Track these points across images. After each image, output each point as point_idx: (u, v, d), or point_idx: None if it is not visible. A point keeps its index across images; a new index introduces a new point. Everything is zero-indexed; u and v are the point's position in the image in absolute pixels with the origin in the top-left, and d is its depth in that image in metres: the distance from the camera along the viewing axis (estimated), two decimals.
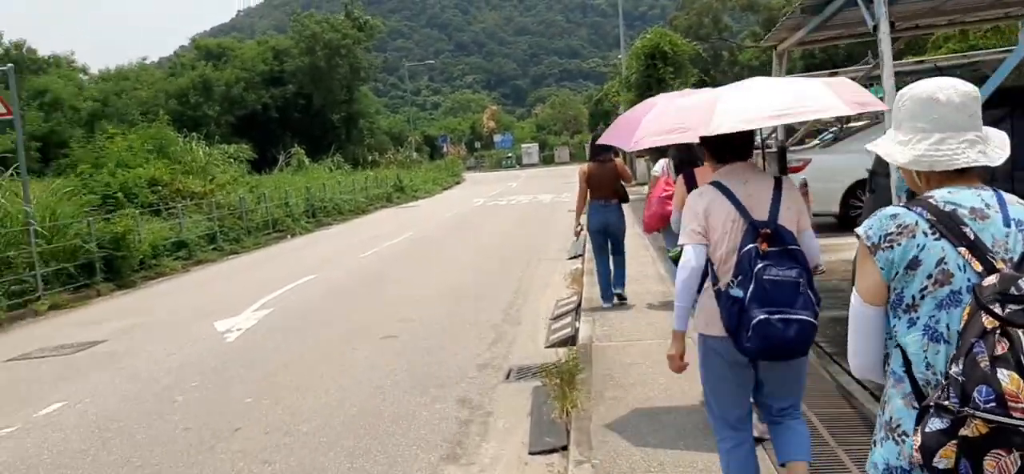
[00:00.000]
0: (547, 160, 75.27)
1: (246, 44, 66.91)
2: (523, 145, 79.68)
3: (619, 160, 9.19)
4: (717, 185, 3.36)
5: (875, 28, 5.14)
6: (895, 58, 10.85)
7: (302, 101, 60.28)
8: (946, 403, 1.79)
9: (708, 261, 3.32)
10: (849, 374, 6.08)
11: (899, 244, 2.01)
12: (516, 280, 12.33)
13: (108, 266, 15.85)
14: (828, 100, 3.25)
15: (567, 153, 72.38)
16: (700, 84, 28.78)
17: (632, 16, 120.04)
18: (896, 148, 2.13)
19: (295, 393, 7.19)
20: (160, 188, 21.43)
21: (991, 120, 2.23)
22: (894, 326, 2.07)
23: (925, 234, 1.99)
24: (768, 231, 3.19)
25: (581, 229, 9.32)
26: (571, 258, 14.11)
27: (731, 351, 3.31)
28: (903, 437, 2.01)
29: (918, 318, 2.00)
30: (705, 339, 3.47)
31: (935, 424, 1.81)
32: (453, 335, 8.99)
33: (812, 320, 3.16)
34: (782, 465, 3.70)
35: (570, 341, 8.18)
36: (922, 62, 16.29)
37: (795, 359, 3.35)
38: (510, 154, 78.01)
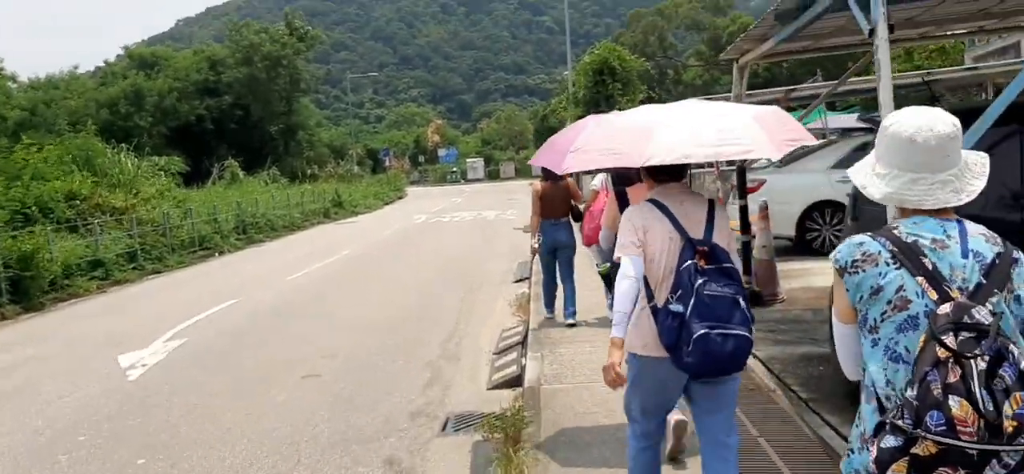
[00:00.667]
0: (492, 175, 74.47)
1: (181, 53, 64.78)
2: (468, 160, 78.73)
3: (571, 180, 8.97)
4: (655, 203, 3.43)
5: (872, 32, 4.39)
6: (857, 74, 10.34)
7: (239, 112, 58.49)
8: (900, 423, 1.92)
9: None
10: (831, 426, 5.36)
11: (863, 270, 2.15)
12: (457, 307, 11.42)
13: (14, 287, 14.52)
14: (756, 139, 3.27)
15: (512, 168, 71.64)
16: (647, 101, 28.40)
17: (577, 33, 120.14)
18: (873, 180, 2.24)
19: (195, 452, 6.15)
20: (78, 203, 19.96)
21: (1000, 137, 2.59)
22: (863, 344, 2.21)
23: (887, 264, 2.12)
24: (705, 249, 3.28)
25: (538, 246, 9.06)
26: (517, 281, 13.26)
27: (667, 370, 3.37)
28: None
29: (879, 339, 2.14)
30: (639, 359, 3.47)
31: (889, 441, 1.94)
32: (384, 375, 8.04)
33: (748, 336, 3.24)
34: None
35: (516, 381, 7.31)
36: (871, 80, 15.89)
37: (729, 376, 3.41)
38: (455, 168, 76.98)
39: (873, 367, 2.15)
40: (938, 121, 2.14)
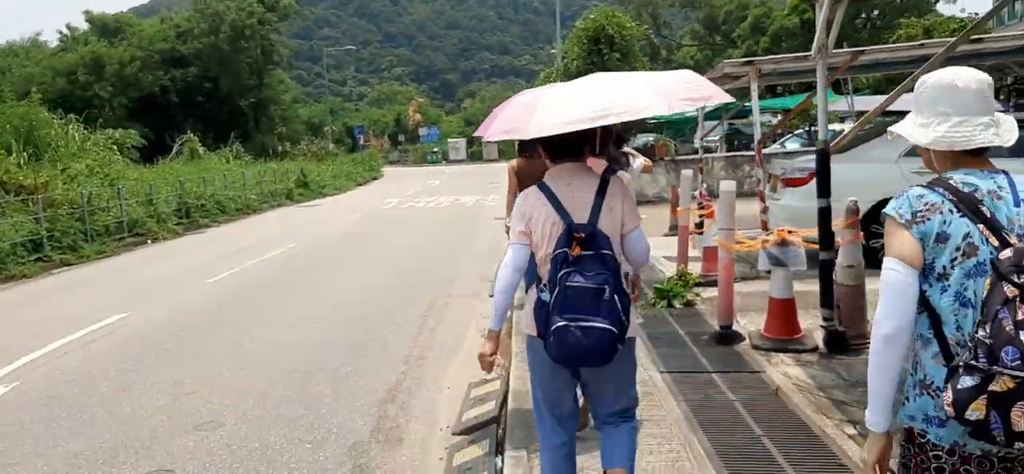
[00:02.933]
0: (475, 156, 71.30)
1: (146, 21, 61.05)
2: (450, 140, 75.47)
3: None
4: (541, 186, 3.34)
5: None
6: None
7: (207, 85, 54.99)
8: (975, 363, 2.00)
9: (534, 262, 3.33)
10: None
11: (929, 219, 2.18)
12: (410, 339, 8.39)
13: None
14: (646, 100, 3.09)
15: (495, 149, 68.38)
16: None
17: (564, 16, 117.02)
18: (918, 130, 2.30)
19: None
20: None
21: None
22: (926, 291, 2.21)
23: (951, 212, 2.17)
24: (582, 235, 3.16)
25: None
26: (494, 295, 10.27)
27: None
28: (937, 392, 2.19)
29: (949, 285, 2.16)
30: (529, 340, 3.41)
31: (966, 382, 2.01)
32: (281, 468, 5.04)
33: (612, 329, 3.07)
34: (604, 472, 3.58)
35: None
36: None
37: (609, 366, 3.23)
38: (436, 149, 73.72)
39: (944, 312, 2.17)
40: (974, 70, 2.28)
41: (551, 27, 37.20)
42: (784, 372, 5.98)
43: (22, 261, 14.78)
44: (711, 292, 8.92)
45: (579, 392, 3.62)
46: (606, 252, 3.16)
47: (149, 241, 19.21)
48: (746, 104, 26.00)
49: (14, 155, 28.24)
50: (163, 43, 54.12)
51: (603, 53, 20.23)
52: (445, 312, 9.53)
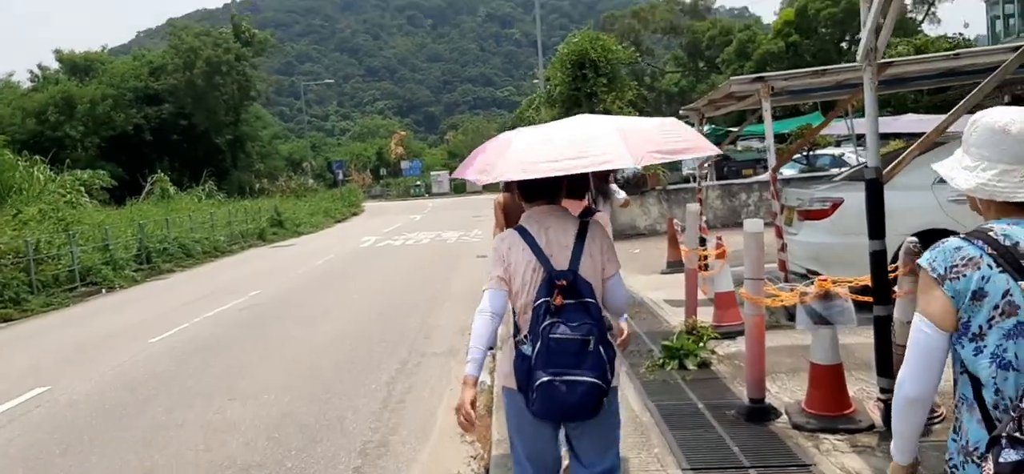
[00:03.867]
0: (458, 188, 69.96)
1: (118, 59, 59.60)
2: (433, 173, 74.13)
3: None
4: (520, 230, 3.21)
5: None
6: None
7: (183, 122, 53.46)
8: (1019, 434, 1.85)
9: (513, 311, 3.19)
10: None
11: (965, 275, 2.02)
12: (373, 414, 7.01)
13: None
14: (611, 150, 2.98)
15: (480, 183, 67.18)
16: (638, 100, 24.34)
17: (547, 45, 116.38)
18: (961, 173, 2.15)
19: None
20: None
21: None
22: (962, 352, 2.06)
23: (990, 267, 2.01)
24: (564, 282, 3.02)
25: None
26: None
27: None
28: (980, 460, 2.02)
29: (986, 346, 2.01)
30: (506, 392, 3.28)
31: (1010, 455, 1.85)
32: None
33: (598, 382, 2.95)
34: None
35: None
36: None
37: (593, 419, 3.08)
38: (419, 182, 72.33)
39: (982, 375, 2.02)
40: None
41: (533, 58, 36.30)
42: (840, 464, 4.67)
43: None
44: (729, 347, 7.61)
45: (563, 451, 3.47)
46: (589, 300, 3.05)
47: (104, 290, 17.74)
48: (730, 129, 25.00)
49: None
50: (136, 81, 52.66)
51: (588, 77, 19.02)
52: (417, 375, 8.16)
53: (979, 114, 2.16)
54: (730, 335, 7.96)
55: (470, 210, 37.80)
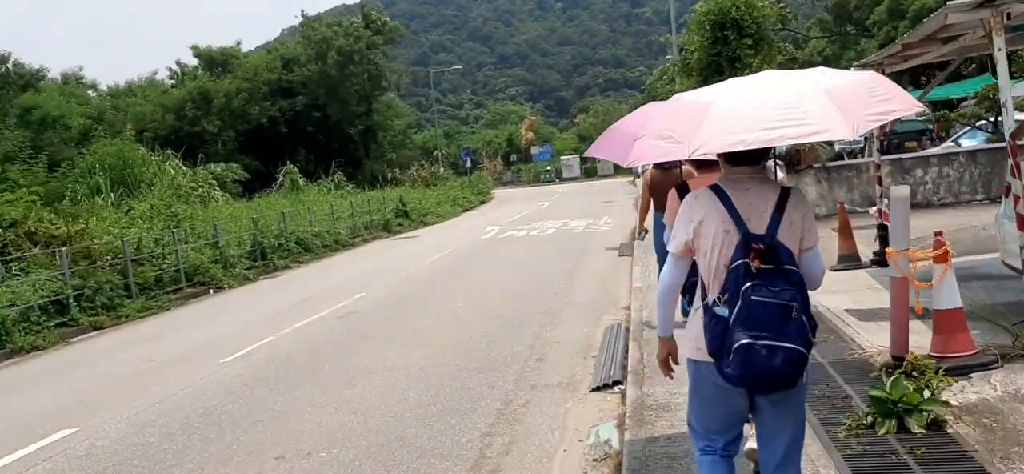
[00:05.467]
0: (589, 172, 67.76)
1: (253, 53, 60.59)
2: (563, 157, 72.16)
3: (688, 166, 6.41)
4: (716, 190, 3.08)
5: None
6: None
7: (316, 114, 53.74)
8: None
9: (698, 275, 3.13)
10: None
11: None
12: None
13: None
14: (825, 117, 2.74)
15: (611, 165, 64.62)
16: (788, 64, 21.39)
17: (678, 22, 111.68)
18: None
19: None
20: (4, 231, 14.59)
21: None
22: None
23: None
24: (762, 246, 2.93)
25: (645, 232, 8.35)
26: (599, 387, 6.83)
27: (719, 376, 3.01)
28: None
29: None
30: (693, 364, 3.20)
31: None
32: None
33: (802, 350, 2.87)
34: None
35: None
36: None
37: (787, 391, 2.99)
38: (549, 167, 70.51)
39: None
40: None
41: (665, 35, 33.55)
42: None
43: (37, 329, 12.35)
44: (968, 394, 5.23)
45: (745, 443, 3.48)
46: (789, 267, 2.92)
47: (212, 291, 16.74)
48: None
49: (103, 195, 27.00)
50: (270, 73, 53.20)
51: (730, 40, 16.51)
52: (523, 422, 6.16)
53: None
54: (959, 371, 5.55)
55: (600, 195, 35.58)
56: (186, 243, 17.97)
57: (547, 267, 14.95)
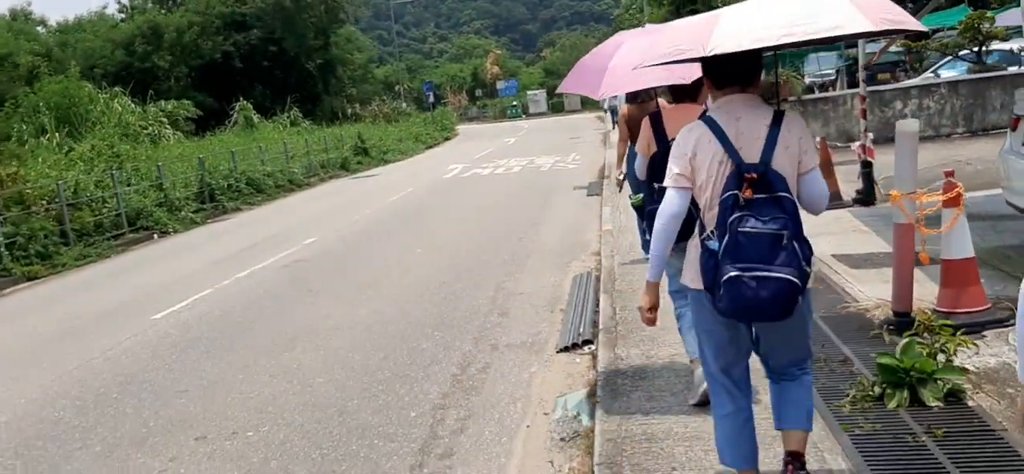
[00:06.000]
0: (556, 107, 66.69)
1: None
2: (529, 92, 70.88)
3: (662, 101, 5.93)
4: (708, 121, 3.00)
5: None
6: None
7: (272, 48, 51.68)
8: None
9: (697, 208, 3.04)
10: None
11: None
12: (412, 457, 4.39)
13: None
14: (842, 12, 2.65)
15: (578, 100, 63.54)
16: None
17: None
18: None
19: None
20: None
21: None
22: None
23: None
24: (754, 175, 2.84)
25: (623, 177, 7.57)
26: (569, 347, 6.12)
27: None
28: None
29: None
30: (694, 293, 3.13)
31: None
32: None
33: (792, 278, 2.75)
34: (778, 431, 3.29)
35: None
36: None
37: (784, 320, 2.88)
38: (516, 102, 69.20)
39: None
40: None
41: None
42: None
43: None
44: (986, 357, 4.60)
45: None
46: (782, 194, 2.84)
47: (156, 236, 15.76)
48: None
49: (48, 135, 25.61)
50: (223, 6, 51.00)
51: None
52: (481, 389, 5.46)
53: None
54: (971, 329, 4.91)
55: (567, 132, 34.69)
56: (129, 186, 16.91)
57: (512, 209, 14.17)
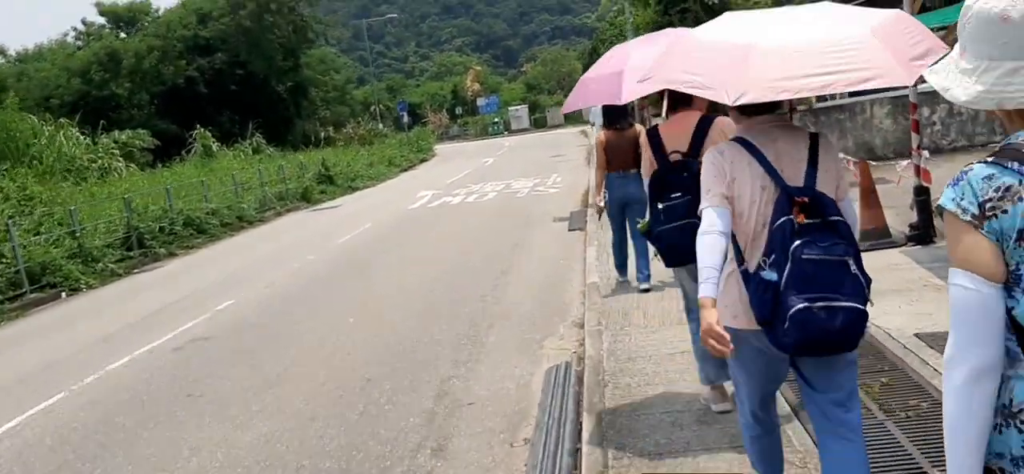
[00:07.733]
0: (538, 123, 64.61)
1: (164, 8, 55.76)
2: (511, 108, 68.76)
3: (640, 127, 6.84)
4: (742, 142, 2.76)
5: None
6: None
7: (239, 71, 49.26)
8: None
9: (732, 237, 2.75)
10: None
11: (1004, 210, 1.56)
12: None
13: None
14: (877, 62, 2.44)
15: (561, 115, 61.41)
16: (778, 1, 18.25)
17: None
18: (957, 79, 1.65)
19: None
20: None
21: None
22: (1012, 309, 1.60)
23: None
24: (805, 199, 2.62)
25: (604, 205, 7.49)
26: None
27: (764, 343, 2.70)
28: None
29: None
30: (731, 332, 2.65)
31: None
32: None
33: (861, 307, 2.56)
34: None
35: None
36: None
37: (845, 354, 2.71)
38: (497, 119, 67.06)
39: None
40: None
41: None
42: None
43: None
44: None
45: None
46: (836, 219, 2.63)
47: (64, 294, 13.31)
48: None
49: None
50: (184, 30, 48.63)
51: None
52: None
53: (970, 1, 1.61)
54: None
55: (549, 149, 32.43)
56: (37, 234, 14.50)
57: (479, 252, 11.79)
